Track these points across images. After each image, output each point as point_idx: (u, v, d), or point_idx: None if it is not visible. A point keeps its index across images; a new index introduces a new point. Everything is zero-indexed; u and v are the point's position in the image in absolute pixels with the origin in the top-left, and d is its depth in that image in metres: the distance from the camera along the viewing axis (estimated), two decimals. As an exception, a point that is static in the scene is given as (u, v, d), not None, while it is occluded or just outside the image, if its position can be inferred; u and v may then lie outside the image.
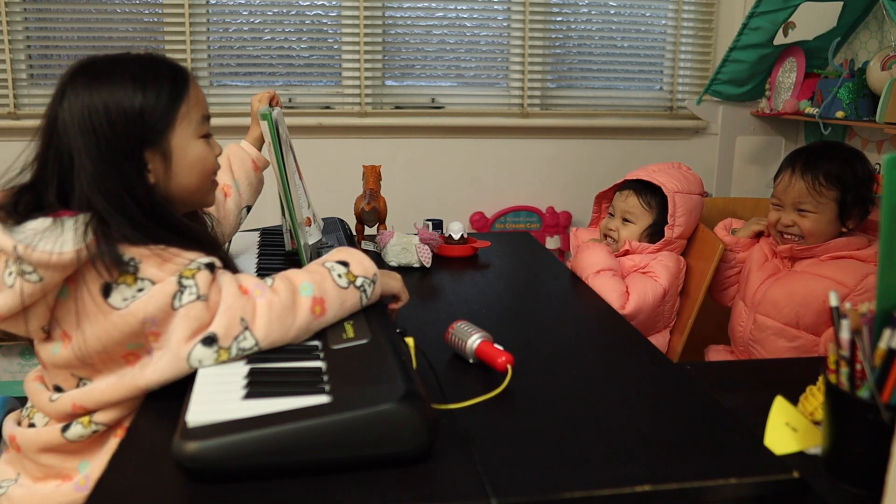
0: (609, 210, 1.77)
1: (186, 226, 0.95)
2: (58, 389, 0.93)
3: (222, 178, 1.30)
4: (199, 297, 0.83)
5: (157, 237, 0.87)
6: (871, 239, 1.48)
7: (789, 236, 1.54)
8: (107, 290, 0.83)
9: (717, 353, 1.68)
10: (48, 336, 0.91)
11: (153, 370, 0.84)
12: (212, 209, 1.22)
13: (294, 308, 0.86)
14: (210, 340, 0.82)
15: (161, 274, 0.84)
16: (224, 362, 0.83)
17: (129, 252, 0.84)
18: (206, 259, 0.87)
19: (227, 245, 1.36)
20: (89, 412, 0.90)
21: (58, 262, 0.81)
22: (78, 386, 0.92)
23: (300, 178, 1.26)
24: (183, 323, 0.83)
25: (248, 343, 0.84)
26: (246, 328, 0.83)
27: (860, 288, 1.39)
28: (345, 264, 0.93)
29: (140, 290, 0.83)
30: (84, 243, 0.82)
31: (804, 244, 1.52)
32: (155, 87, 0.93)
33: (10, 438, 0.97)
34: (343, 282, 0.91)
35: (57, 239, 0.81)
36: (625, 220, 1.71)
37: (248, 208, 1.38)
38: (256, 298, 0.85)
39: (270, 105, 1.35)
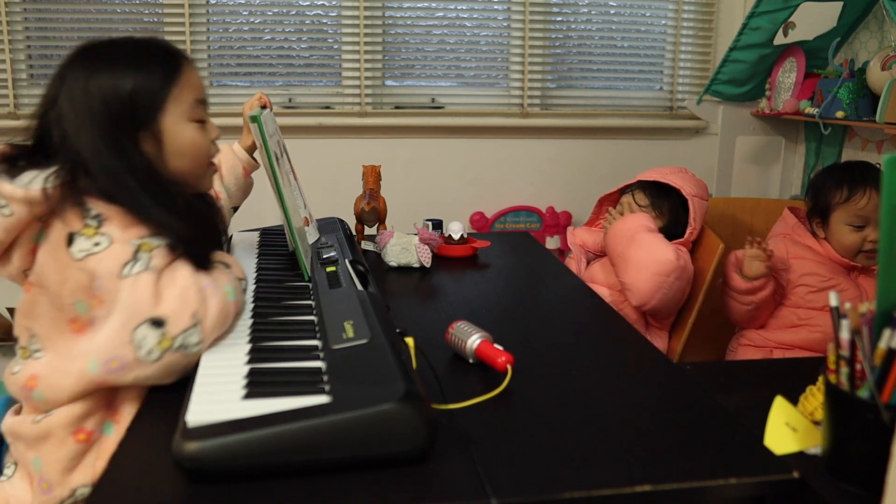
0: (616, 210, 1.77)
1: (180, 201, 0.94)
2: (16, 341, 0.96)
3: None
4: (148, 269, 0.84)
5: (137, 201, 0.88)
6: None
7: (874, 252, 1.57)
8: (70, 239, 0.85)
9: (746, 352, 1.67)
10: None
11: (95, 340, 0.84)
12: None
13: (227, 311, 0.88)
14: (158, 323, 0.82)
15: (122, 235, 0.86)
16: (166, 350, 0.82)
17: (99, 207, 0.87)
18: (170, 239, 0.88)
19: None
20: (39, 388, 0.90)
21: (24, 196, 0.85)
22: (29, 347, 0.93)
23: (295, 178, 1.26)
24: (129, 295, 0.82)
25: (193, 339, 0.83)
26: (196, 324, 0.83)
27: None
28: (234, 275, 0.96)
29: (97, 244, 0.85)
30: (54, 184, 0.85)
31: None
32: (146, 70, 0.94)
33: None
34: (242, 288, 0.95)
35: (32, 179, 0.86)
36: None
37: (236, 208, 1.41)
38: (209, 298, 0.85)
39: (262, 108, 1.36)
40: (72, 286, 0.86)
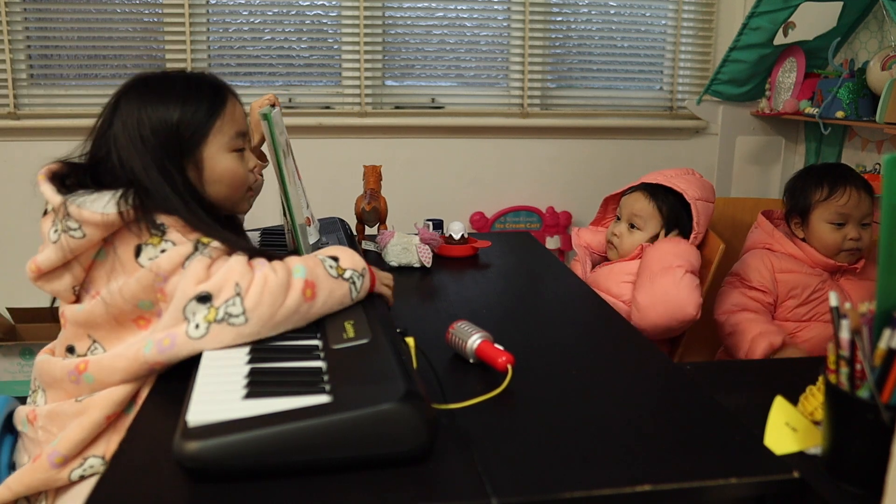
0: (616, 213, 1.75)
1: (222, 224, 1.01)
2: (70, 351, 0.99)
3: None
4: (202, 255, 0.90)
5: (191, 212, 0.96)
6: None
7: (855, 251, 1.60)
8: (138, 251, 0.93)
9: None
10: (77, 298, 0.99)
11: (157, 328, 0.89)
12: None
13: (287, 288, 0.88)
14: (205, 298, 0.85)
15: (184, 239, 0.93)
16: (211, 323, 0.84)
17: (161, 218, 0.94)
18: (223, 240, 0.94)
19: None
20: (89, 371, 0.94)
21: (102, 220, 0.91)
22: (89, 349, 0.98)
23: (299, 178, 1.26)
24: (183, 278, 0.87)
25: (235, 309, 0.85)
26: (238, 294, 0.85)
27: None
28: (334, 258, 0.95)
29: (163, 250, 0.92)
30: (126, 207, 0.92)
31: (856, 256, 1.62)
32: (193, 104, 1.04)
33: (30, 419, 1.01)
34: (333, 272, 0.93)
35: (106, 202, 0.92)
36: (632, 225, 1.69)
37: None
38: (255, 271, 0.88)
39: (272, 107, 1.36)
40: (137, 286, 0.92)
